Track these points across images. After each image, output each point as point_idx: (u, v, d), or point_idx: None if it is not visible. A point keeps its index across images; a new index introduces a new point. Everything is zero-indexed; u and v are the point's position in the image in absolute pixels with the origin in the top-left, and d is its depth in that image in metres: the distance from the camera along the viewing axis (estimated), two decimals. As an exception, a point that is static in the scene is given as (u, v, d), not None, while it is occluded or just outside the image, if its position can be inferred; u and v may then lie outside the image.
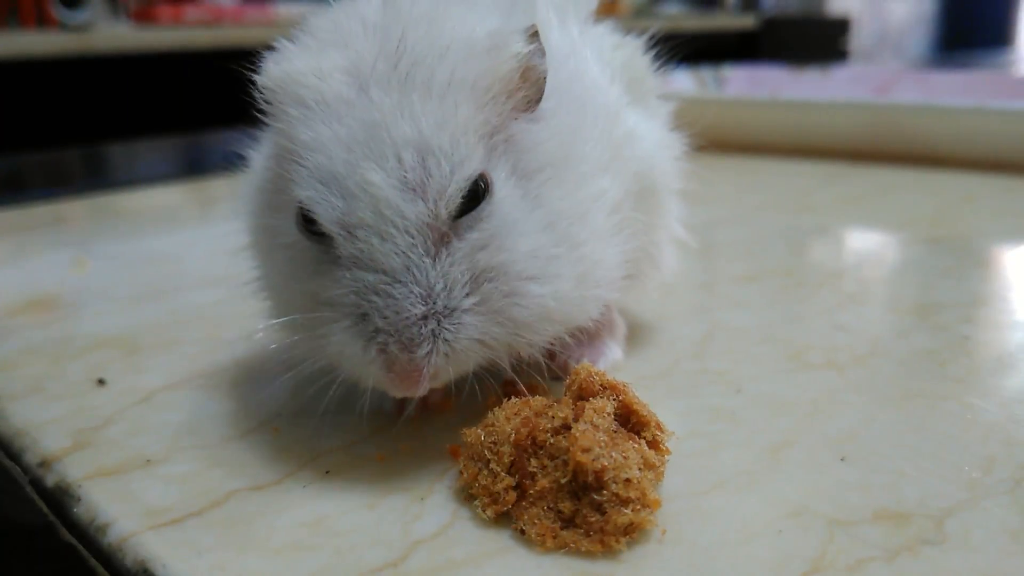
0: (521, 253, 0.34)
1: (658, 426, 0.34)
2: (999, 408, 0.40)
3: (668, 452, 0.34)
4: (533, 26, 0.36)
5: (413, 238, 0.32)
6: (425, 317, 0.33)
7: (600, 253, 0.37)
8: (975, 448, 0.36)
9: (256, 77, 0.36)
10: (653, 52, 0.49)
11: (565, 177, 0.36)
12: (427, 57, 0.33)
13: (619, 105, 0.42)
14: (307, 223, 0.34)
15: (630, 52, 0.47)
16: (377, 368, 0.33)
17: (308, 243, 0.34)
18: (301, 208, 0.34)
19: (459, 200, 0.33)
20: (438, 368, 0.33)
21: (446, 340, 0.33)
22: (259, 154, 0.42)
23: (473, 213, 0.33)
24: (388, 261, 0.32)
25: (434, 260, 0.33)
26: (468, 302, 0.33)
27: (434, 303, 0.33)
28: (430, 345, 0.33)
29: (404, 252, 0.32)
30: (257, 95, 0.36)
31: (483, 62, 0.34)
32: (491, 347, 0.35)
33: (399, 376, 0.33)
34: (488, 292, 0.33)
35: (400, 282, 0.32)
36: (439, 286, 0.33)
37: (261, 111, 0.37)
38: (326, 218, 0.33)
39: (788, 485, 0.34)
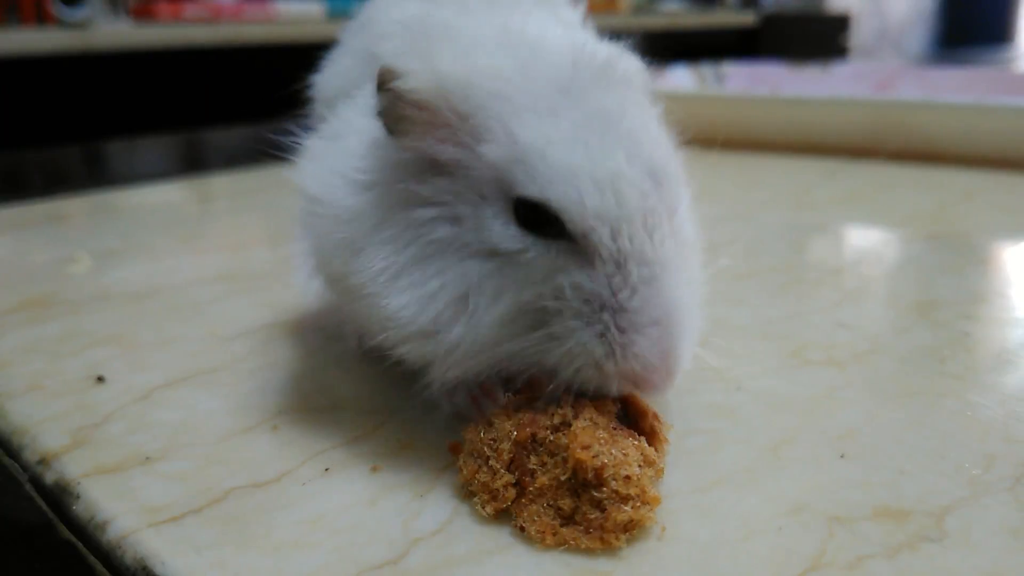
0: (693, 241, 0.36)
1: (655, 416, 0.35)
2: (999, 405, 0.40)
3: (667, 441, 0.34)
4: None
5: (667, 227, 0.32)
6: (687, 308, 0.33)
7: None
8: (975, 445, 0.36)
9: (410, 85, 0.33)
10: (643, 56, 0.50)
11: None
12: (598, 60, 0.34)
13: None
14: (537, 224, 0.32)
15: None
16: (642, 361, 0.32)
17: (533, 249, 0.32)
18: (535, 206, 0.31)
19: (681, 188, 0.33)
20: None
21: (692, 331, 0.34)
22: (349, 157, 0.38)
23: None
24: (657, 252, 0.32)
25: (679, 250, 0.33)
26: (691, 297, 0.34)
27: (688, 293, 0.33)
28: (689, 336, 0.33)
29: (667, 240, 0.32)
30: (400, 106, 0.33)
31: (636, 68, 0.36)
32: None
33: (666, 368, 0.32)
34: (694, 286, 0.34)
35: (668, 272, 0.32)
36: (685, 274, 0.33)
37: (398, 123, 0.34)
38: (583, 215, 0.31)
39: (788, 482, 0.34)
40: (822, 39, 3.19)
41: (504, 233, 0.32)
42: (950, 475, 0.34)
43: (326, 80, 0.48)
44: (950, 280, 0.59)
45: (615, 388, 0.33)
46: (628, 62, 0.35)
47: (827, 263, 0.69)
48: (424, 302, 0.33)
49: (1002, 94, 1.09)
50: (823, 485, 0.34)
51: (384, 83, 0.33)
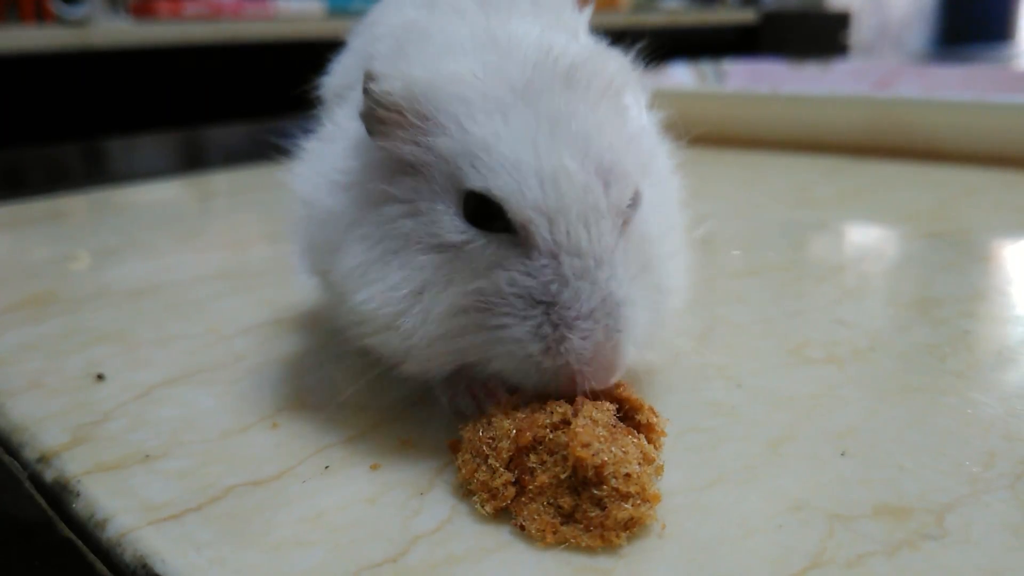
0: (658, 239, 0.36)
1: (652, 410, 0.35)
2: (999, 403, 0.40)
3: (664, 434, 0.34)
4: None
5: (611, 223, 0.33)
6: (624, 303, 0.33)
7: None
8: (975, 443, 0.36)
9: (384, 88, 0.34)
10: (643, 53, 0.51)
11: None
12: (562, 63, 0.34)
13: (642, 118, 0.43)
14: (484, 217, 0.33)
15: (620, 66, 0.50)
16: (575, 356, 0.32)
17: (475, 240, 0.33)
18: (481, 200, 0.33)
19: (635, 188, 0.34)
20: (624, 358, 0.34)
21: (632, 327, 0.33)
22: (338, 158, 0.39)
23: (632, 204, 0.34)
24: (592, 246, 0.32)
25: (622, 247, 0.34)
26: (638, 293, 0.34)
27: (629, 289, 0.33)
28: (627, 332, 0.33)
29: (604, 236, 0.33)
30: (378, 107, 0.35)
31: (611, 70, 0.36)
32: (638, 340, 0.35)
33: (601, 364, 0.33)
34: (647, 283, 0.35)
35: (603, 267, 0.32)
36: (630, 272, 0.33)
37: (375, 124, 0.35)
38: (522, 206, 0.32)
39: (788, 480, 0.34)
40: (822, 37, 3.19)
41: (452, 225, 0.33)
42: (950, 473, 0.34)
43: (332, 80, 0.49)
44: (950, 278, 0.59)
45: (553, 384, 0.33)
46: (599, 65, 0.35)
47: (827, 261, 0.69)
48: (387, 295, 0.34)
49: (1002, 91, 1.09)
50: (823, 483, 0.34)
51: (365, 87, 0.35)
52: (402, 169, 0.35)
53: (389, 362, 0.36)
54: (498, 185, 0.32)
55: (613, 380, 0.34)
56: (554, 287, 0.32)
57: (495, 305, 0.33)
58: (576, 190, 0.32)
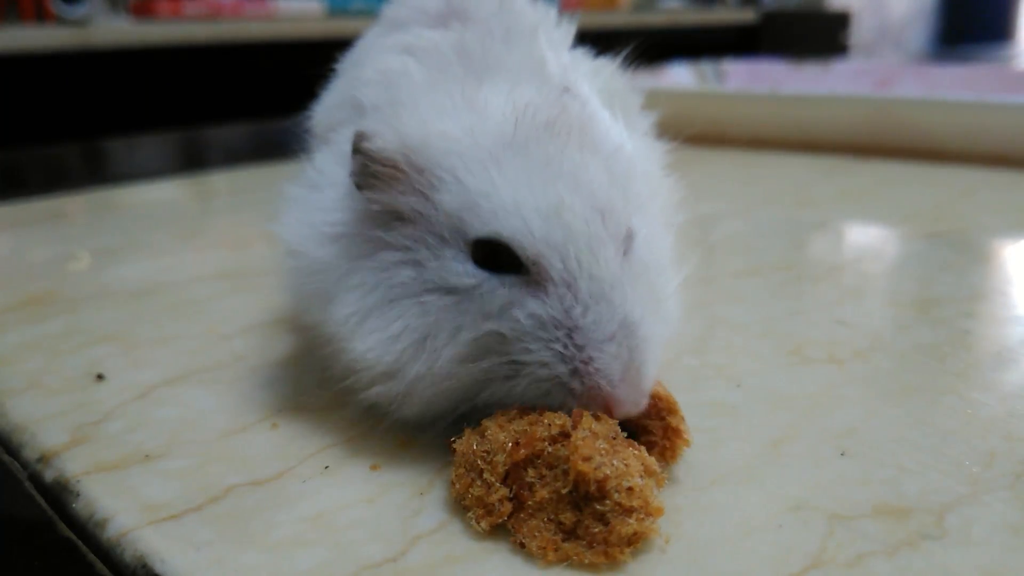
0: (655, 268, 0.37)
1: (682, 418, 0.35)
2: (999, 403, 0.40)
3: (687, 444, 0.34)
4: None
5: (614, 250, 0.34)
6: (642, 323, 0.33)
7: None
8: (975, 443, 0.36)
9: (378, 144, 0.35)
10: (628, 72, 0.52)
11: None
12: (540, 117, 0.35)
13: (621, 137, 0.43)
14: (491, 264, 0.34)
15: (608, 74, 0.51)
16: (605, 377, 0.33)
17: (487, 283, 0.34)
18: (488, 246, 0.33)
19: (627, 225, 0.35)
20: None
21: (653, 348, 0.34)
22: (331, 209, 0.39)
23: (627, 237, 0.36)
24: (604, 271, 0.33)
25: (628, 271, 0.34)
26: (649, 315, 0.34)
27: (643, 310, 0.34)
28: (649, 352, 0.34)
29: (611, 262, 0.33)
30: (370, 164, 0.35)
31: (578, 113, 0.37)
32: None
33: (631, 385, 0.33)
34: (654, 307, 0.35)
35: (616, 289, 0.33)
36: (639, 295, 0.34)
37: (368, 180, 0.36)
38: (531, 243, 0.33)
39: (788, 480, 0.34)
40: (822, 37, 3.19)
41: (461, 271, 0.34)
42: (950, 472, 0.34)
43: (318, 116, 0.50)
44: (950, 277, 0.59)
45: (586, 407, 0.33)
46: (571, 112, 0.37)
47: (827, 260, 0.69)
48: (388, 343, 0.34)
49: (1002, 91, 1.09)
50: (823, 483, 0.34)
51: (357, 146, 0.36)
52: (397, 218, 0.36)
53: (386, 408, 0.36)
54: (504, 227, 0.33)
55: (644, 404, 0.34)
56: (576, 311, 0.33)
57: (514, 338, 0.33)
58: (579, 222, 0.33)
